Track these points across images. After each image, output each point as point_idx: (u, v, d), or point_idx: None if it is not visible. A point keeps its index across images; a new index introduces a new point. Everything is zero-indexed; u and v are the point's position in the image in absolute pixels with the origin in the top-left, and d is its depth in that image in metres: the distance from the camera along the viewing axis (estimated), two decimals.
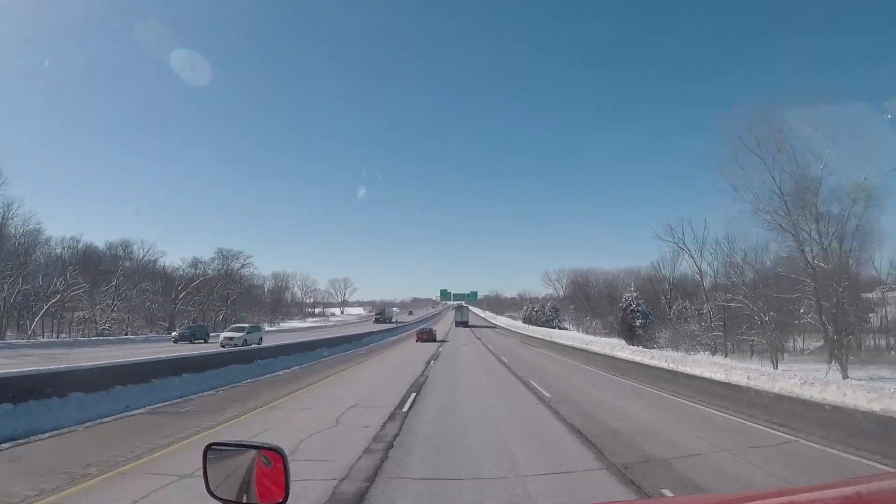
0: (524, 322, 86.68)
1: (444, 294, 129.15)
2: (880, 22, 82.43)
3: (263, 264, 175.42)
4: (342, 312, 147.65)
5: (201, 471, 1.66)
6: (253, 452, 1.67)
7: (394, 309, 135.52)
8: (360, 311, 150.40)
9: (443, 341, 41.60)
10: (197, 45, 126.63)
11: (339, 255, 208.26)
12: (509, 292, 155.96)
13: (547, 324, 76.87)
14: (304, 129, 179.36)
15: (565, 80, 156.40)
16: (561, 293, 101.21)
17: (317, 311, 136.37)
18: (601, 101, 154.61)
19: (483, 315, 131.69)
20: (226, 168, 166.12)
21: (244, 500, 1.60)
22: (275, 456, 1.65)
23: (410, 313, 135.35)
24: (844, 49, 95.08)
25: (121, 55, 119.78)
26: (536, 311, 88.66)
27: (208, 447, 1.71)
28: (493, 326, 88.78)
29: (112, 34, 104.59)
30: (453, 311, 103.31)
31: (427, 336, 41.63)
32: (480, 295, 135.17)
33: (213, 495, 1.62)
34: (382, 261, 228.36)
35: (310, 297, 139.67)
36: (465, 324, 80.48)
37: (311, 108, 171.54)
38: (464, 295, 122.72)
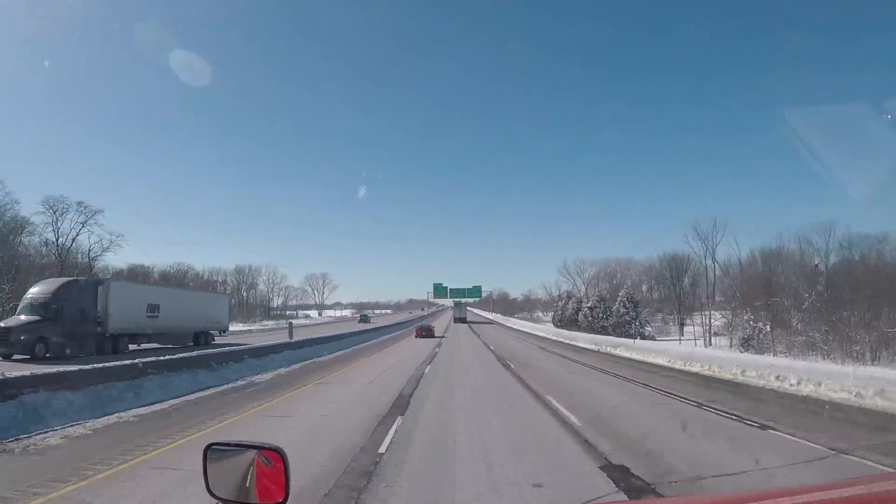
0: (559, 326, 59.25)
1: (439, 290, 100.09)
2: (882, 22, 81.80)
3: (238, 259, 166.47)
4: (320, 315, 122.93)
5: (202, 470, 1.63)
6: (253, 452, 1.67)
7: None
8: (343, 312, 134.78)
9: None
10: (190, 44, 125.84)
11: (334, 253, 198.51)
12: (513, 293, 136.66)
13: (620, 329, 47.66)
14: (292, 122, 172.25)
15: (566, 76, 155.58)
16: (583, 289, 79.92)
17: (289, 312, 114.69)
18: (602, 99, 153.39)
19: (489, 316, 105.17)
20: (211, 162, 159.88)
21: (244, 500, 1.61)
22: (275, 456, 1.65)
23: (364, 318, 77.73)
24: (844, 50, 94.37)
25: (120, 55, 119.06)
26: (591, 309, 56.10)
27: (208, 447, 1.72)
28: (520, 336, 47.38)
29: (112, 34, 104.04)
30: (451, 311, 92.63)
31: (426, 332, 41.77)
32: (484, 292, 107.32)
33: (213, 495, 1.63)
34: (378, 260, 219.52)
35: (278, 296, 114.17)
36: (462, 319, 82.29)
37: (301, 101, 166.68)
38: (464, 291, 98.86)
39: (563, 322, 61.21)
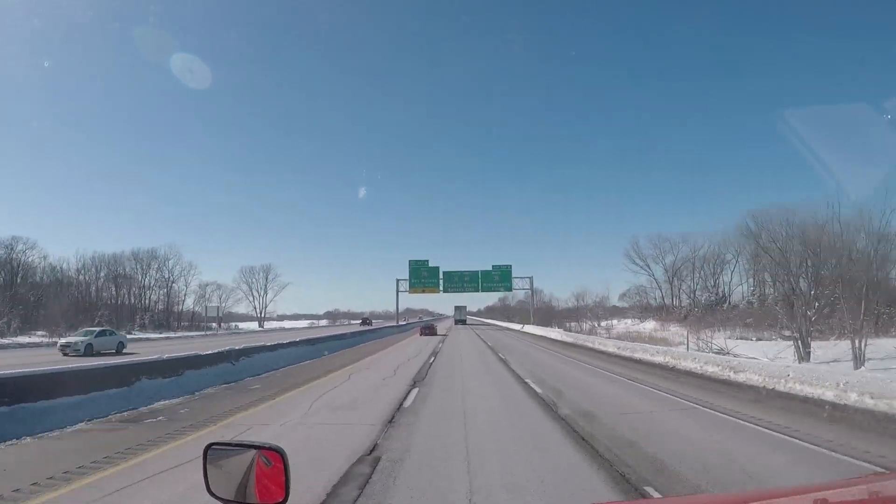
0: None
1: (420, 275, 57.36)
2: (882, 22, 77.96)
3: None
4: (262, 326, 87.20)
5: (202, 469, 1.70)
6: (253, 452, 1.69)
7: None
8: (302, 323, 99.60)
9: None
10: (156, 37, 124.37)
11: (321, 256, 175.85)
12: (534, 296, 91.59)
13: None
14: (278, 117, 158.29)
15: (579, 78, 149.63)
16: (664, 279, 61.66)
17: (238, 325, 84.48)
18: (601, 100, 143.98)
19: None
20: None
21: (244, 500, 1.64)
22: (275, 456, 1.67)
23: None
24: (845, 49, 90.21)
25: (118, 58, 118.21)
26: None
27: (208, 447, 1.74)
28: None
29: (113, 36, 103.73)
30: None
31: (429, 331, 42.26)
32: (517, 279, 61.15)
33: (212, 495, 1.66)
34: (369, 263, 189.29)
35: (188, 297, 78.74)
36: (462, 322, 77.73)
37: (287, 95, 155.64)
38: (475, 276, 57.35)
39: None
